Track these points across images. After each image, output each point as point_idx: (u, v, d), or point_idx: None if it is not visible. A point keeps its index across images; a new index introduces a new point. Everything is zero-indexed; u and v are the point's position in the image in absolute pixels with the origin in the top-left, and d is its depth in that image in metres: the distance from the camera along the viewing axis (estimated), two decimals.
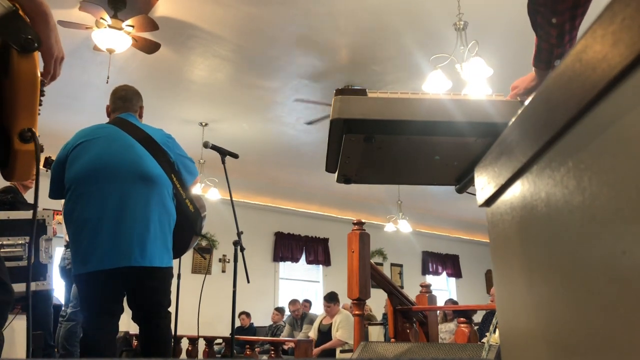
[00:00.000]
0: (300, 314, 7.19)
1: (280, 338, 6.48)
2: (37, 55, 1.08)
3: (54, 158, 2.50)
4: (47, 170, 2.62)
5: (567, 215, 0.38)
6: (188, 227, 2.49)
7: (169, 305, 2.36)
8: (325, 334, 6.16)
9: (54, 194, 2.42)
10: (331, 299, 6.13)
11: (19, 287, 2.92)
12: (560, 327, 0.40)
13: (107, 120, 2.56)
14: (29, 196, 4.10)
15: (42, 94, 1.11)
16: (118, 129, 2.40)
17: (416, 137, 1.18)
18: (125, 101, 2.54)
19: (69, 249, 3.94)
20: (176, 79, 5.69)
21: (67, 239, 3.87)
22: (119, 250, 2.17)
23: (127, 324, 2.49)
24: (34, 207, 1.18)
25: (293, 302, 7.42)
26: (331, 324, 6.09)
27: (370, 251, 3.43)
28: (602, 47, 0.32)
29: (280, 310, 7.96)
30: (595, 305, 0.34)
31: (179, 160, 2.49)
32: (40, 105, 1.12)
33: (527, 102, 0.46)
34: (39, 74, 1.08)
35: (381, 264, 10.97)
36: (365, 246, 3.23)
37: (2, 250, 2.86)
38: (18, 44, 1.02)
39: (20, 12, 1.04)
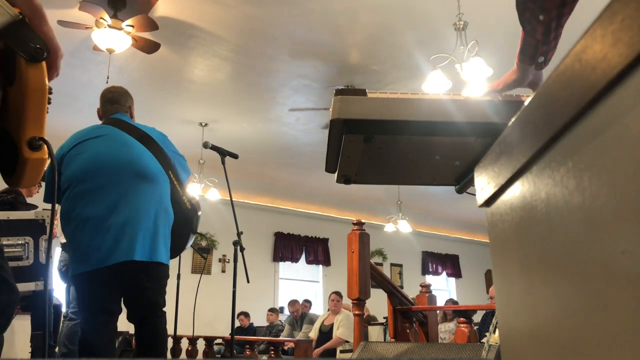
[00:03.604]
0: (300, 314, 7.19)
1: (280, 338, 6.48)
2: (45, 64, 1.07)
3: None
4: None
5: (566, 215, 0.38)
6: (185, 226, 2.50)
7: (164, 304, 2.37)
8: (326, 334, 6.18)
9: (50, 197, 2.42)
10: (340, 295, 6.28)
11: (19, 287, 2.92)
12: (560, 327, 0.40)
13: None
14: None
15: (49, 102, 1.11)
16: (115, 128, 2.40)
17: (416, 137, 1.18)
18: (113, 103, 2.55)
19: (64, 251, 3.93)
20: (176, 79, 5.69)
21: (62, 240, 3.85)
22: (121, 247, 2.18)
23: (126, 323, 2.49)
24: (51, 210, 1.17)
25: (292, 303, 7.43)
26: (332, 324, 6.12)
27: (370, 251, 3.43)
28: (602, 47, 0.32)
29: (273, 310, 7.95)
30: (595, 305, 0.34)
31: (174, 158, 2.50)
32: (47, 112, 1.12)
33: (527, 102, 0.46)
34: (47, 83, 1.07)
35: (381, 264, 10.97)
36: (365, 246, 3.23)
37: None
38: (27, 53, 1.02)
39: (27, 19, 1.03)
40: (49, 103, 1.11)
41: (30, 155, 1.07)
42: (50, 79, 1.16)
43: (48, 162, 1.15)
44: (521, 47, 1.07)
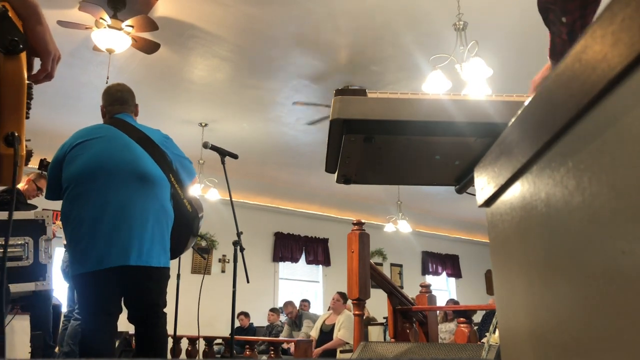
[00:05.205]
0: (296, 315, 7.19)
1: (280, 338, 6.48)
2: (24, 57, 1.06)
3: (49, 160, 2.49)
4: (42, 172, 2.61)
5: (567, 215, 0.38)
6: (185, 228, 2.49)
7: (165, 305, 2.36)
8: (327, 333, 6.17)
9: (51, 195, 2.42)
10: (344, 296, 6.23)
11: (19, 287, 2.93)
12: (560, 327, 0.40)
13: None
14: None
15: (30, 97, 1.09)
16: (116, 129, 2.40)
17: (416, 137, 1.18)
18: (122, 103, 2.54)
19: (67, 252, 3.93)
20: (176, 79, 5.69)
21: (65, 241, 3.85)
22: (117, 250, 2.17)
23: (126, 324, 2.49)
24: (9, 211, 1.14)
25: (287, 305, 7.42)
26: (334, 324, 6.11)
27: (370, 251, 3.43)
28: (602, 47, 0.32)
29: (274, 310, 7.97)
30: (595, 305, 0.34)
31: (177, 160, 2.49)
32: (29, 108, 1.10)
33: (527, 102, 0.46)
34: (25, 77, 1.05)
35: (381, 264, 10.96)
36: (365, 246, 3.23)
37: (1, 250, 2.85)
38: (2, 46, 1.00)
39: (10, 13, 1.02)
40: (30, 98, 1.09)
41: (5, 152, 1.06)
42: (38, 79, 1.14)
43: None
44: (551, 47, 1.08)
